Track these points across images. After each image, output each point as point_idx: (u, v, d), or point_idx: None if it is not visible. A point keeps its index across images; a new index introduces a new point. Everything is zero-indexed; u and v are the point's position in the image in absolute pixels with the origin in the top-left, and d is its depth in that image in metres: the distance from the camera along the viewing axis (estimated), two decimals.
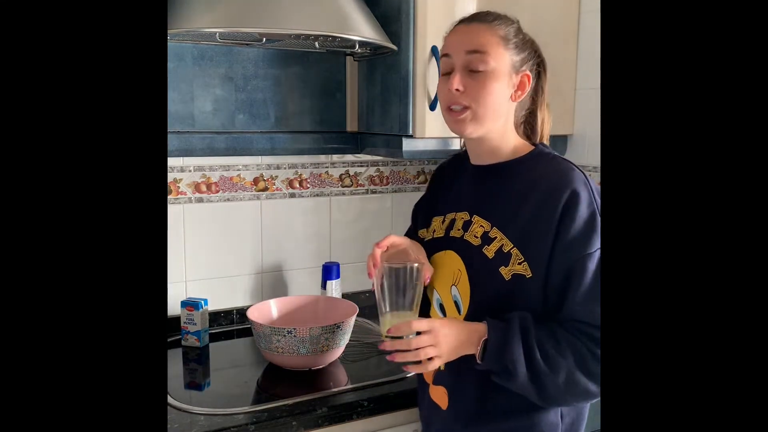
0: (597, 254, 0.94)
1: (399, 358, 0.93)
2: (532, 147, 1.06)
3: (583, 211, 0.95)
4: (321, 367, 1.40)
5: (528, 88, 1.03)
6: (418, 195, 1.31)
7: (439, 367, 1.02)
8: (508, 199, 1.02)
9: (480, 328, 0.95)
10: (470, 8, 1.53)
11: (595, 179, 1.70)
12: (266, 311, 1.50)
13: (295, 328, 1.31)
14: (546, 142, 1.12)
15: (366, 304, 1.73)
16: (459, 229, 1.06)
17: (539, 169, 1.01)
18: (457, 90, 0.98)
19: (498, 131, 1.03)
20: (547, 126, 1.12)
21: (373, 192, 1.86)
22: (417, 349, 0.92)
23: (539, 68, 1.06)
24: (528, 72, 1.02)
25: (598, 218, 0.94)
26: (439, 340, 0.93)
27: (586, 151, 1.74)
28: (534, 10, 1.62)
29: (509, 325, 0.94)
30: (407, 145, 1.49)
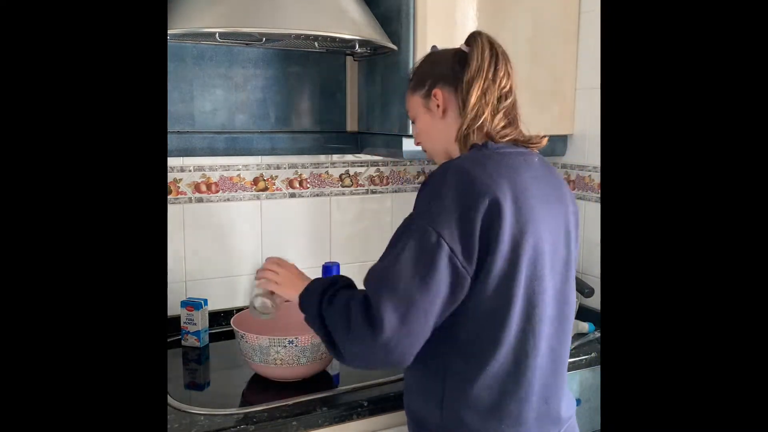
0: (406, 221, 1.00)
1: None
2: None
3: (424, 189, 1.01)
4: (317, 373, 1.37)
5: (444, 99, 1.09)
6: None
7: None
8: None
9: (305, 283, 1.10)
10: (470, 8, 1.54)
11: (595, 179, 1.71)
12: (247, 319, 1.41)
13: (296, 338, 1.26)
14: (515, 130, 1.11)
15: None
16: None
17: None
18: (417, 143, 1.20)
19: (453, 149, 1.11)
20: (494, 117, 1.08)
21: (373, 192, 1.85)
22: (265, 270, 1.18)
23: (456, 73, 1.08)
24: (436, 89, 1.09)
25: (428, 187, 0.99)
26: (282, 270, 1.16)
27: (586, 151, 1.74)
28: (534, 10, 1.62)
29: (319, 282, 1.08)
30: (407, 145, 1.49)
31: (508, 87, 1.08)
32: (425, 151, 1.18)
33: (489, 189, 0.95)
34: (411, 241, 0.95)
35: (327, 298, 1.02)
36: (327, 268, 1.71)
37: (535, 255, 0.99)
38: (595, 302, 1.70)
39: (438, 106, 1.10)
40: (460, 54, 1.09)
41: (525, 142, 1.10)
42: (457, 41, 1.47)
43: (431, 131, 1.13)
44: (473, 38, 1.09)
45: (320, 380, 1.34)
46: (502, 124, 1.08)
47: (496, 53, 1.07)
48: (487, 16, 1.55)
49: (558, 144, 1.78)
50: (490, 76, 1.06)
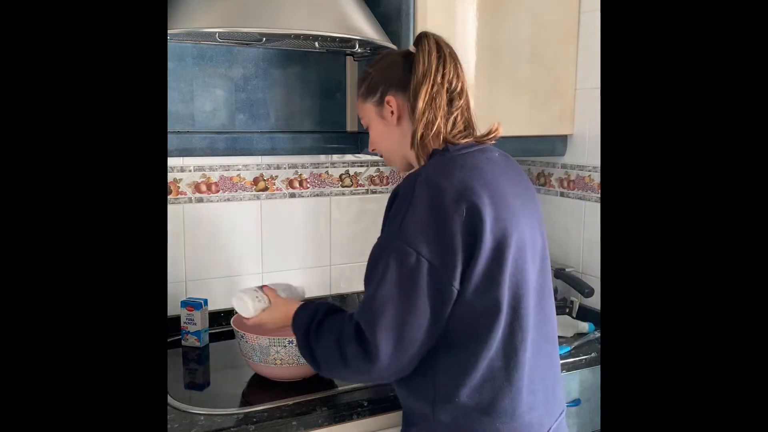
0: (380, 242, 1.00)
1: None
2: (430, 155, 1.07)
3: (395, 205, 1.00)
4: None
5: (397, 106, 1.08)
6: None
7: None
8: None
9: (291, 312, 1.15)
10: (470, 8, 1.54)
11: (595, 179, 1.71)
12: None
13: None
14: (473, 132, 1.10)
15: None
16: None
17: (414, 171, 1.05)
18: (372, 150, 1.18)
19: (410, 156, 1.10)
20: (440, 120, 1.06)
21: (373, 192, 1.85)
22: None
23: (405, 78, 1.06)
24: (389, 96, 1.08)
25: (398, 202, 0.99)
26: (265, 320, 1.23)
27: (586, 151, 1.74)
28: (534, 10, 1.62)
29: (303, 308, 1.13)
30: None
31: (459, 88, 1.06)
32: (382, 157, 1.17)
33: (463, 195, 0.95)
34: (391, 263, 0.95)
35: (313, 336, 1.05)
36: None
37: (518, 250, 0.99)
38: (595, 302, 1.70)
39: (392, 113, 1.08)
40: (409, 56, 1.07)
41: (481, 139, 1.08)
42: (458, 41, 1.47)
43: (386, 138, 1.12)
44: (419, 40, 1.06)
45: (320, 380, 1.34)
46: (460, 128, 1.06)
47: (443, 55, 1.05)
48: (487, 16, 1.55)
49: (558, 144, 1.78)
50: (438, 80, 1.03)
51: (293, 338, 1.25)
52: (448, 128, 1.05)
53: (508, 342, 0.99)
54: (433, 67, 1.03)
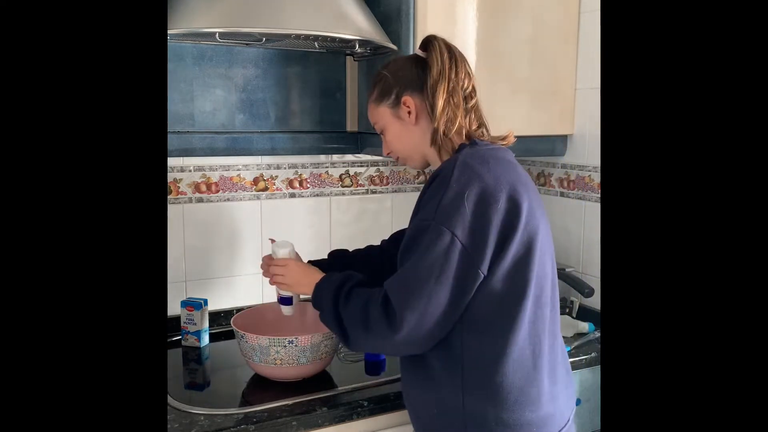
0: (418, 222, 1.01)
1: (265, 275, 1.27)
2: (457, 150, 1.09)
3: (433, 186, 1.02)
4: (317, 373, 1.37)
5: (414, 106, 1.10)
6: (418, 195, 1.31)
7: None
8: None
9: (317, 278, 1.15)
10: (470, 8, 1.54)
11: (595, 179, 1.71)
12: (251, 320, 1.43)
13: (296, 338, 1.27)
14: (486, 130, 1.13)
15: None
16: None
17: (448, 160, 1.07)
18: (387, 153, 1.20)
19: (430, 153, 1.13)
20: (461, 118, 1.10)
21: (373, 192, 1.85)
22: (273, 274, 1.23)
23: (420, 79, 1.09)
24: (405, 96, 1.10)
25: (437, 184, 1.01)
26: (287, 272, 1.21)
27: (586, 151, 1.74)
28: (534, 10, 1.62)
29: (329, 281, 1.12)
30: None
31: (470, 87, 1.10)
32: (399, 159, 1.19)
33: (502, 187, 1.00)
34: (428, 242, 0.98)
35: (343, 298, 1.06)
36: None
37: (542, 244, 1.03)
38: (595, 302, 1.70)
39: (409, 113, 1.11)
40: (419, 59, 1.11)
41: (496, 140, 1.13)
42: (458, 41, 1.47)
43: (405, 139, 1.15)
44: (429, 43, 1.10)
45: (320, 380, 1.34)
46: (475, 125, 1.11)
47: (454, 56, 1.09)
48: (487, 16, 1.55)
49: (558, 144, 1.78)
50: (453, 77, 1.07)
51: (293, 338, 1.26)
52: (468, 124, 1.10)
53: (533, 330, 1.03)
54: (447, 66, 1.07)
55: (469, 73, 1.10)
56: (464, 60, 1.10)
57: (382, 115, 1.15)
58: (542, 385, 1.03)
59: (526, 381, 1.02)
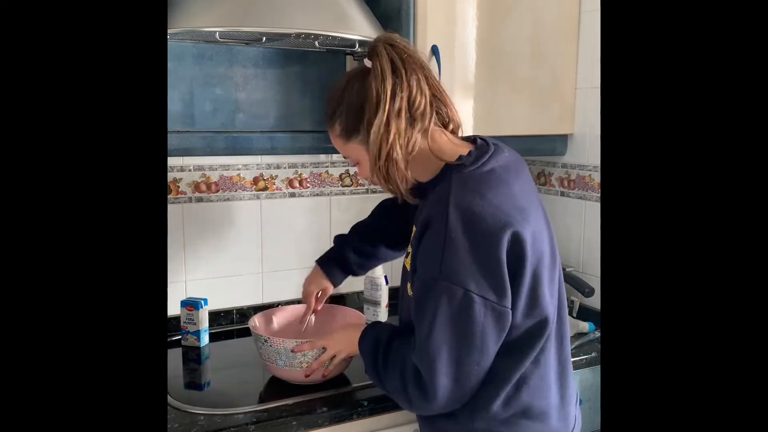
0: (425, 281, 0.96)
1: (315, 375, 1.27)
2: (443, 165, 1.02)
3: (429, 236, 0.96)
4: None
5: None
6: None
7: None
8: (416, 221, 1.03)
9: (355, 338, 1.17)
10: (470, 8, 1.53)
11: (595, 179, 1.71)
12: (268, 322, 1.44)
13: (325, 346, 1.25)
14: (457, 131, 1.07)
15: (358, 306, 1.75)
16: (407, 254, 1.08)
17: (435, 190, 1.00)
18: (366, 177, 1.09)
19: (409, 175, 1.01)
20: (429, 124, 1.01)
21: (373, 192, 1.85)
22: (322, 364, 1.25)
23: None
24: None
25: (431, 235, 0.95)
26: (331, 344, 1.24)
27: (586, 151, 1.74)
28: (534, 10, 1.62)
29: (366, 336, 1.14)
30: None
31: (422, 105, 0.98)
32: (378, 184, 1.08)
33: (503, 223, 0.93)
34: (440, 304, 0.93)
35: (381, 362, 1.07)
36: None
37: (543, 264, 1.01)
38: (595, 302, 1.70)
39: None
40: (367, 76, 1.02)
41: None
42: (457, 41, 1.47)
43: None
44: (370, 57, 1.03)
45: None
46: (443, 136, 1.04)
47: (395, 68, 0.99)
48: (487, 16, 1.55)
49: (558, 144, 1.78)
50: (396, 105, 0.96)
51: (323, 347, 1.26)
52: (430, 139, 1.00)
53: (553, 349, 1.04)
54: (388, 92, 0.97)
55: (419, 78, 0.98)
56: (413, 65, 0.99)
57: (353, 151, 1.06)
58: (549, 393, 1.04)
59: (532, 396, 1.02)
